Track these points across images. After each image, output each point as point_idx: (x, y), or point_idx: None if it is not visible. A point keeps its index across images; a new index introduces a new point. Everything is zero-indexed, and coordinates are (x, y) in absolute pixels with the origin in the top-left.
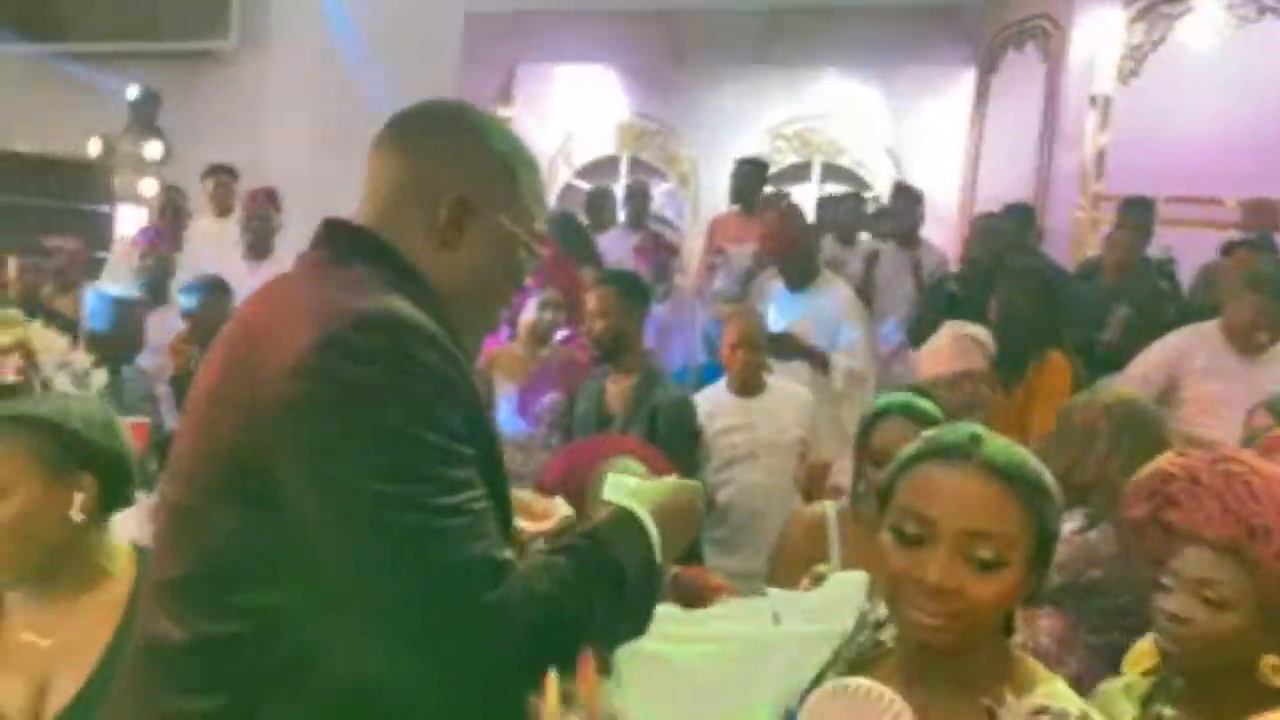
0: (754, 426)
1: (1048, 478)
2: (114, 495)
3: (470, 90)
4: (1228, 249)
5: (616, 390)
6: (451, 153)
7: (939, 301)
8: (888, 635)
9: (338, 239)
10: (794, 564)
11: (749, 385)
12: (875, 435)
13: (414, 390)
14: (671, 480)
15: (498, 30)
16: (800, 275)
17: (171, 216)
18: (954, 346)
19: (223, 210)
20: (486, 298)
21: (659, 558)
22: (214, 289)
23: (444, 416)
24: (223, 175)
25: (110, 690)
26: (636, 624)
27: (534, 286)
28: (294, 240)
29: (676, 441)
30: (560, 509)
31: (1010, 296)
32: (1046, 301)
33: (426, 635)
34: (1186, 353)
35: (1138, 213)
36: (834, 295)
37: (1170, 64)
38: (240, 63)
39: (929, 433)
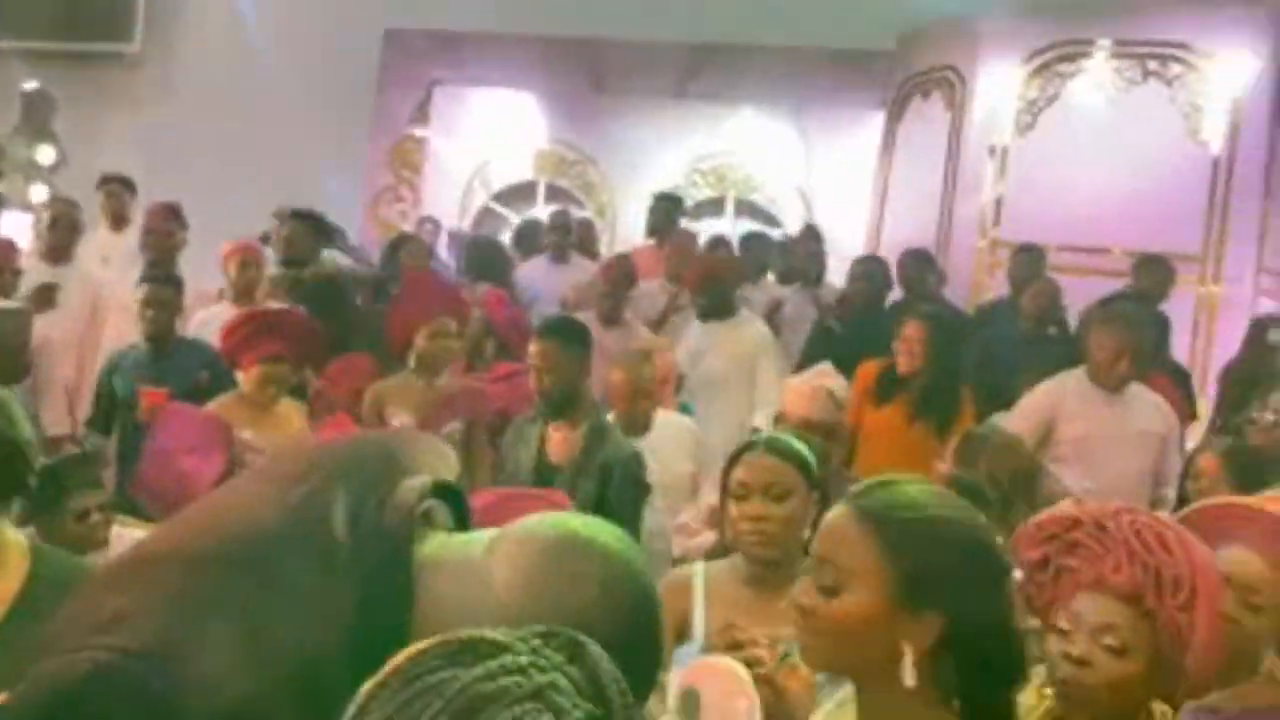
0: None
1: (925, 521)
2: (8, 482)
3: (386, 108)
4: (1106, 303)
5: (561, 440)
6: None
7: (820, 340)
8: None
9: None
10: None
11: (637, 424)
12: (737, 469)
13: None
14: None
15: (417, 49)
16: (719, 309)
17: (65, 230)
18: (811, 396)
19: (118, 223)
20: None
21: None
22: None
23: None
24: (117, 186)
25: None
26: None
27: (420, 316)
28: (196, 256)
29: (629, 498)
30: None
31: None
32: (955, 344)
33: None
34: (1059, 397)
35: (1028, 260)
36: (752, 331)
37: (1063, 120)
38: (144, 68)
39: None
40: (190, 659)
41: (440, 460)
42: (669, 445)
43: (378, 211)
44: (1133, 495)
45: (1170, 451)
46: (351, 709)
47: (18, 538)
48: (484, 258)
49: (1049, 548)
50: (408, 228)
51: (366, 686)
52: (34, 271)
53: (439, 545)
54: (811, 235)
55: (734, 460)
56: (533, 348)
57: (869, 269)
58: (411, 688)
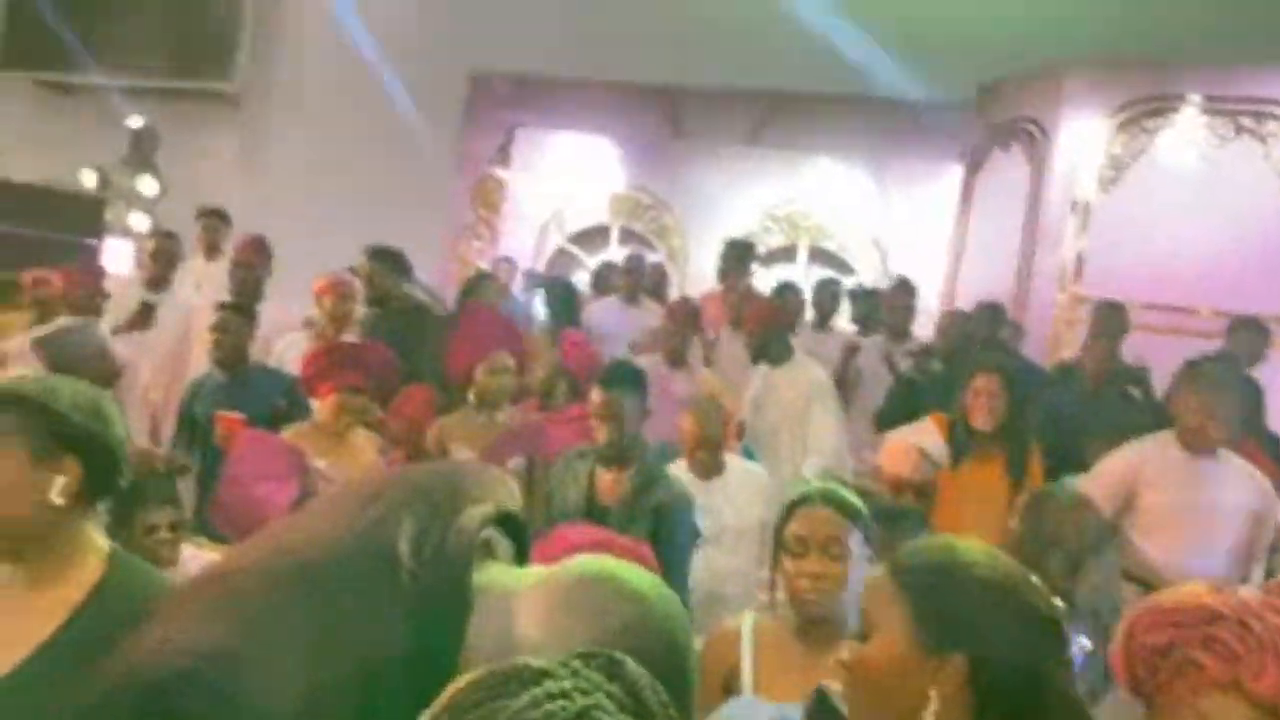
0: (718, 510)
1: (945, 564)
2: (100, 482)
3: (469, 150)
4: (1194, 363)
5: (611, 481)
6: None
7: (903, 391)
8: None
9: None
10: (704, 677)
11: (709, 468)
12: (793, 523)
13: None
14: None
15: (499, 93)
16: (771, 353)
17: (164, 260)
18: (905, 454)
19: (212, 253)
20: None
21: None
22: (241, 312)
23: None
24: (213, 219)
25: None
26: None
27: (477, 352)
28: (285, 286)
29: (681, 541)
30: None
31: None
32: (1012, 396)
33: None
34: (1142, 462)
35: (1110, 317)
36: (807, 376)
37: (1150, 175)
38: (243, 106)
39: None
40: (260, 665)
41: (505, 491)
42: (743, 491)
43: (457, 249)
44: (1219, 570)
45: (1265, 526)
46: None
47: (99, 542)
48: (553, 300)
49: (1176, 634)
50: (485, 265)
51: None
52: (134, 296)
53: (489, 576)
54: (905, 289)
55: (789, 514)
56: (596, 396)
57: (956, 321)
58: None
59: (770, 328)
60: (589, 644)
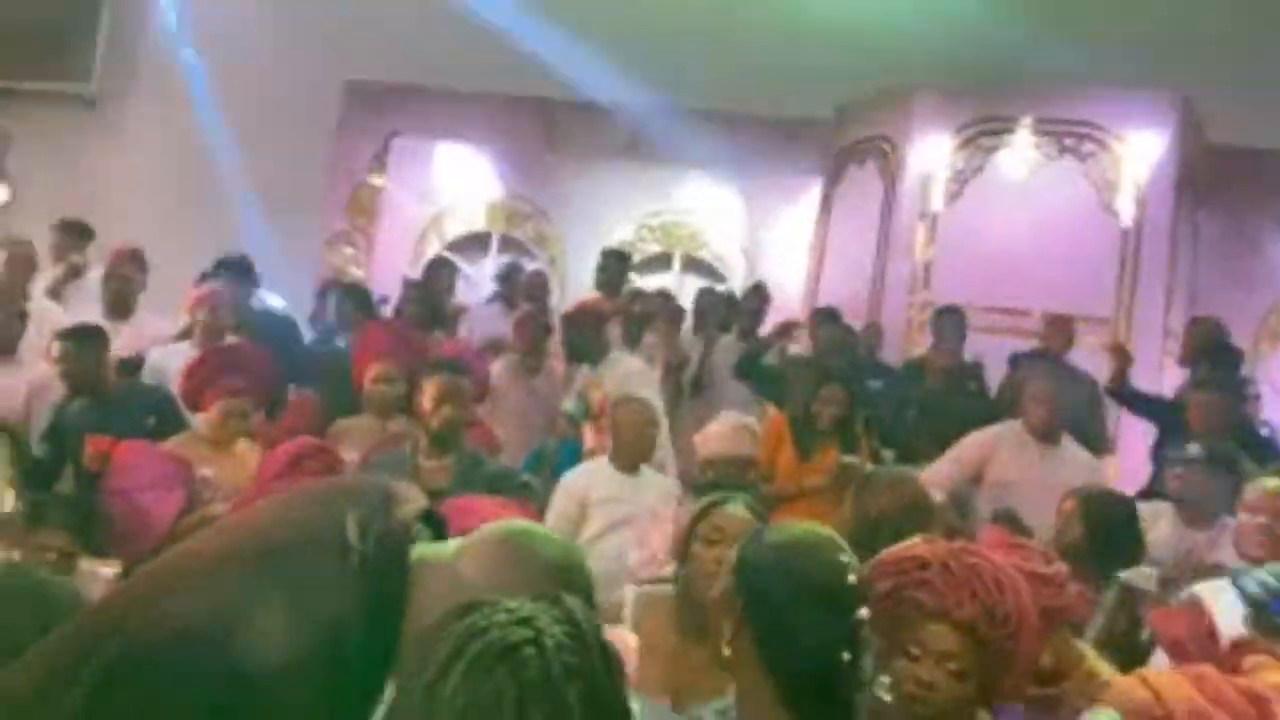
0: (633, 501)
1: (753, 540)
2: None
3: (343, 156)
4: (1013, 360)
5: (436, 468)
6: None
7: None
8: None
9: None
10: None
11: (631, 464)
12: (711, 518)
13: None
14: None
15: (375, 101)
16: (589, 354)
17: (20, 270)
18: (733, 434)
19: (75, 270)
20: None
21: None
22: (86, 338)
23: None
24: (73, 234)
25: None
26: None
27: (364, 361)
28: (152, 299)
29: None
30: None
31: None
32: (850, 397)
33: None
34: (997, 443)
35: (951, 320)
36: (622, 367)
37: (987, 189)
38: (101, 110)
39: None
40: (255, 625)
41: (420, 496)
42: (652, 489)
43: (330, 257)
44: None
45: None
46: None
47: None
48: (422, 301)
49: (898, 580)
50: (358, 272)
51: (406, 646)
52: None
53: (422, 551)
54: (758, 293)
55: (705, 511)
56: (429, 383)
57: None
58: (437, 635)
59: (581, 329)
60: (524, 584)
